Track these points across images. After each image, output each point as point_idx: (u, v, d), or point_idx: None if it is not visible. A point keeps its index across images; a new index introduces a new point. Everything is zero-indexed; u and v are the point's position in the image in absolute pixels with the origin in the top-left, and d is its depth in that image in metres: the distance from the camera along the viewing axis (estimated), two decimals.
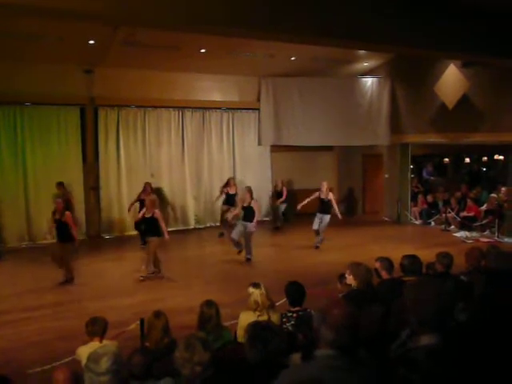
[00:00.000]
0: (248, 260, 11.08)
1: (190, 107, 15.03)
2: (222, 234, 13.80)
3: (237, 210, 11.62)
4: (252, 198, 11.21)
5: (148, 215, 9.98)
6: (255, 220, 11.07)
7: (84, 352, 4.41)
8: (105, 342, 4.77)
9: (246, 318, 4.95)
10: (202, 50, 12.15)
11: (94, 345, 4.59)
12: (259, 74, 15.18)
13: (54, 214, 9.63)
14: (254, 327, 3.31)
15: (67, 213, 9.62)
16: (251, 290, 5.27)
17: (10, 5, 5.93)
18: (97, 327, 4.85)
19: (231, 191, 13.84)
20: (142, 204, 11.27)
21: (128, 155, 14.28)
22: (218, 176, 15.37)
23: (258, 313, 5.11)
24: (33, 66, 12.09)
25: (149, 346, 4.45)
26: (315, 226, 12.09)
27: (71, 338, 6.19)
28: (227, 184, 14.05)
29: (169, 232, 14.38)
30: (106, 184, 14.02)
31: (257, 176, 16.19)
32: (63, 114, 13.31)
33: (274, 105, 15.50)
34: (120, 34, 10.50)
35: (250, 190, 11.40)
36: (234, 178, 14.53)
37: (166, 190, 14.81)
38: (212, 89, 15.12)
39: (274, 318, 5.13)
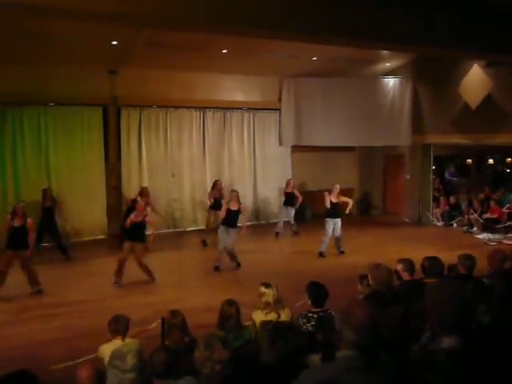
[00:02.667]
0: (238, 265, 10.73)
1: (212, 107, 15.07)
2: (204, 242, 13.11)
3: (222, 213, 10.63)
4: (240, 203, 10.75)
5: (138, 219, 9.75)
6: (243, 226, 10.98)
7: (106, 350, 4.46)
8: (127, 340, 4.82)
9: (259, 318, 5.05)
10: (224, 51, 12.18)
11: (116, 343, 4.64)
12: (281, 75, 15.18)
13: (11, 219, 8.89)
14: (275, 327, 3.32)
15: (29, 220, 9.06)
16: (263, 289, 5.33)
17: (35, 7, 6.04)
18: (119, 325, 4.90)
19: (217, 196, 13.17)
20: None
21: (150, 155, 14.38)
22: (239, 176, 15.41)
23: (266, 311, 5.19)
24: (57, 66, 12.24)
25: (169, 344, 4.49)
26: (337, 233, 11.74)
27: (93, 336, 6.26)
28: (214, 187, 13.42)
29: (190, 231, 14.66)
30: (127, 184, 14.11)
31: (277, 176, 16.16)
32: (86, 114, 13.46)
33: (295, 105, 15.49)
34: (143, 34, 10.59)
35: (237, 194, 10.93)
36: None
37: (187, 189, 14.88)
38: (233, 89, 15.14)
39: (284, 315, 5.18)
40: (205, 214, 14.78)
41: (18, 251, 8.87)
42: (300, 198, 14.11)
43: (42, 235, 11.68)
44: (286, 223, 14.24)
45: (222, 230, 10.52)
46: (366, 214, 17.49)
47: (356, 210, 16.64)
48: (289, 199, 14.14)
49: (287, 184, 14.25)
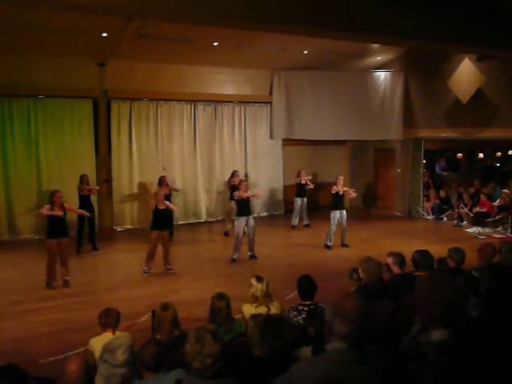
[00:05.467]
0: (253, 257, 10.87)
1: (202, 100, 15.02)
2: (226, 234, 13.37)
3: (240, 194, 10.80)
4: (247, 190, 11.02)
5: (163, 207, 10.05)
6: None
7: (97, 343, 4.45)
8: (117, 333, 4.80)
9: (249, 311, 5.04)
10: (215, 44, 12.13)
11: (106, 336, 4.63)
12: (272, 68, 15.15)
13: (51, 209, 8.90)
14: (265, 320, 3.32)
15: (67, 206, 9.23)
16: (253, 282, 5.31)
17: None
18: (110, 319, 4.88)
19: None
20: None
21: (140, 148, 14.32)
22: (230, 169, 15.34)
23: (255, 304, 5.17)
24: (46, 58, 12.17)
25: (160, 337, 4.48)
26: (343, 224, 11.81)
27: (84, 329, 6.24)
28: (233, 176, 13.64)
29: (181, 225, 14.64)
30: (118, 176, 14.08)
31: (268, 170, 16.22)
32: (76, 106, 13.35)
33: (286, 98, 15.47)
34: (133, 26, 10.50)
35: (246, 183, 11.21)
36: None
37: (178, 183, 14.85)
38: (224, 82, 15.10)
39: (274, 308, 5.18)
40: (198, 206, 15.06)
41: (62, 240, 8.96)
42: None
43: (82, 223, 11.72)
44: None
45: (240, 220, 10.69)
46: (368, 208, 17.56)
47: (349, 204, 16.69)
48: (300, 190, 14.29)
49: (299, 174, 14.37)
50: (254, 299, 5.22)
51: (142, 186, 14.17)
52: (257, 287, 5.24)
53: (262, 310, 5.05)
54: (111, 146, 13.93)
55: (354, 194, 12.28)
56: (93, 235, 11.91)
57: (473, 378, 2.40)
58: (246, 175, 15.55)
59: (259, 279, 5.33)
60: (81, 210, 9.84)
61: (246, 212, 10.74)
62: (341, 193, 11.75)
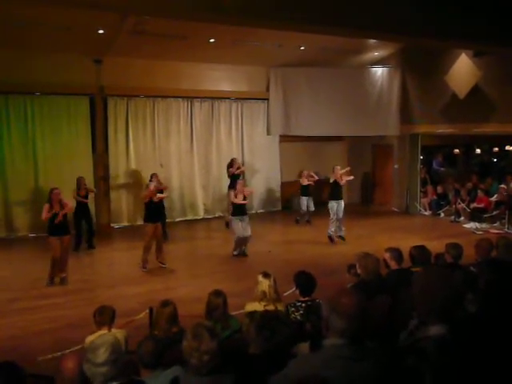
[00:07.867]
0: (244, 255, 10.83)
1: (199, 97, 15.00)
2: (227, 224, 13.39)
3: (231, 192, 11.02)
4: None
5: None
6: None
7: None
8: (113, 330, 4.79)
9: (252, 309, 4.95)
10: (211, 40, 12.10)
11: (101, 334, 4.62)
12: (268, 64, 15.12)
13: (50, 207, 8.97)
14: (262, 316, 3.32)
15: (66, 202, 9.29)
16: (260, 278, 5.24)
17: None
18: (104, 317, 4.87)
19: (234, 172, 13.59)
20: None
21: (137, 145, 14.29)
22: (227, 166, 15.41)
23: (264, 303, 5.06)
24: (42, 55, 12.11)
25: (157, 334, 4.47)
26: (339, 216, 11.74)
27: (82, 327, 6.22)
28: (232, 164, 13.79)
29: (178, 222, 14.63)
30: (115, 174, 14.05)
31: (265, 166, 16.20)
32: (73, 103, 13.31)
33: (283, 95, 15.46)
34: (129, 23, 10.48)
35: (242, 182, 11.26)
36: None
37: (175, 180, 14.83)
38: (221, 79, 15.06)
39: (280, 307, 5.13)
40: (196, 203, 15.14)
41: (63, 237, 8.99)
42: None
43: (79, 224, 11.67)
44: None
45: (235, 220, 10.65)
46: (366, 203, 17.58)
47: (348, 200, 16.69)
48: (304, 190, 14.40)
49: (302, 175, 14.58)
50: (263, 296, 5.12)
51: (140, 183, 14.12)
52: (265, 283, 5.16)
53: (270, 309, 4.95)
54: (108, 143, 13.90)
55: (351, 177, 12.22)
56: (91, 235, 11.86)
57: (471, 373, 2.40)
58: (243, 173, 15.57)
59: (266, 275, 5.26)
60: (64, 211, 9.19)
61: (241, 212, 10.68)
62: (338, 181, 11.67)
